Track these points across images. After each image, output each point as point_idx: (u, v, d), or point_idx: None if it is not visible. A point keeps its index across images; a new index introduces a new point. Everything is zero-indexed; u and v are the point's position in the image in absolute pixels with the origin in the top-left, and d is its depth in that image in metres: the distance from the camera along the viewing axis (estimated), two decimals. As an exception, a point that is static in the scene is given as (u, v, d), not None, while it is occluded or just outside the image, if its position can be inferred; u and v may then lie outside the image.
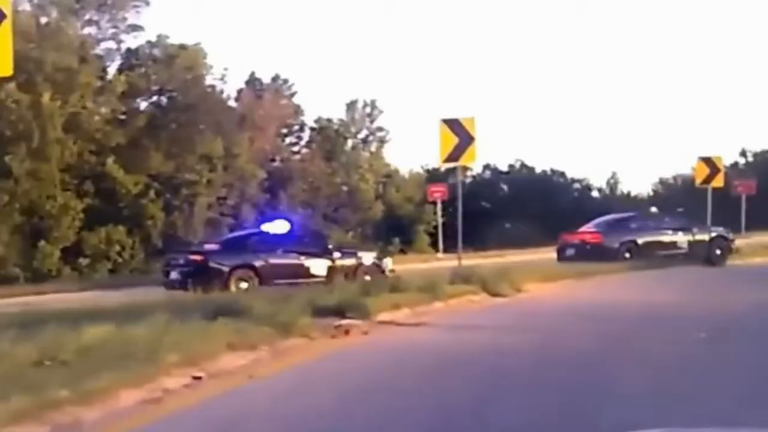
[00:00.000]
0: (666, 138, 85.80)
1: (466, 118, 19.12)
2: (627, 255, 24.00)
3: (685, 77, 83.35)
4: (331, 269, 19.48)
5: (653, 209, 26.73)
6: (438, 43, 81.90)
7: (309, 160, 48.22)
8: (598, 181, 65.72)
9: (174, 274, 19.13)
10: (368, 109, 58.73)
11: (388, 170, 62.83)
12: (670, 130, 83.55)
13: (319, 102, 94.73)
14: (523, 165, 64.81)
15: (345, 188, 51.44)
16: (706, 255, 24.49)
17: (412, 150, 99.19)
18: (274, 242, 19.69)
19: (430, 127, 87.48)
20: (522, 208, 58.01)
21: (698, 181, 27.60)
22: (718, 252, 24.87)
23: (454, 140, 18.96)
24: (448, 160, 19.38)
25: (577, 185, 65.07)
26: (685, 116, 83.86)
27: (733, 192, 30.04)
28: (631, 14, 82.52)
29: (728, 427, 5.21)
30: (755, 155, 60.75)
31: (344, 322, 12.10)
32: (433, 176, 66.01)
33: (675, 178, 66.51)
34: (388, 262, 21.12)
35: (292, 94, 48.79)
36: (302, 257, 19.56)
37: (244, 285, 17.98)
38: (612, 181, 66.36)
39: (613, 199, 64.63)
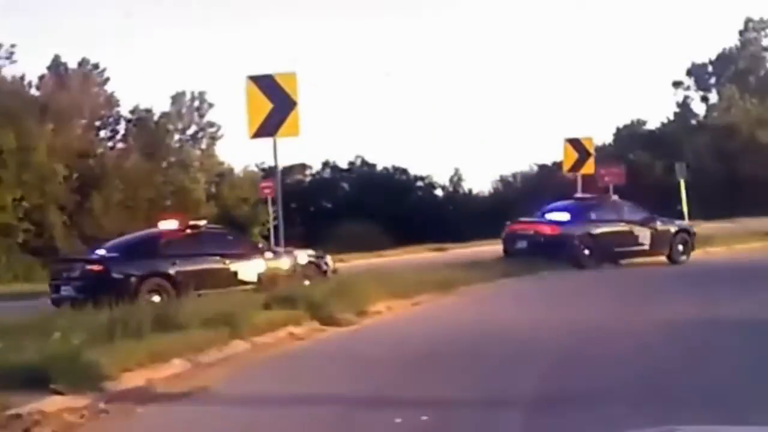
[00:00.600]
0: (505, 135, 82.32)
1: (284, 74, 13.35)
2: (586, 252, 19.42)
3: (524, 73, 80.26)
4: (262, 273, 15.98)
5: (614, 197, 21.32)
6: (270, 33, 75.63)
7: (126, 156, 41.18)
8: (441, 178, 60.99)
9: (66, 289, 15.53)
10: (197, 102, 52.22)
11: (222, 169, 56.69)
12: (509, 126, 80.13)
13: (139, 92, 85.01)
14: (364, 162, 59.77)
15: (171, 188, 44.66)
16: (668, 251, 20.45)
17: (247, 147, 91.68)
18: (191, 243, 16.17)
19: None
20: (365, 208, 53.28)
21: (566, 168, 22.84)
22: (680, 248, 20.64)
23: (268, 105, 13.19)
24: (259, 133, 13.58)
25: (420, 183, 60.61)
26: (523, 113, 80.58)
27: (599, 182, 25.37)
28: (472, 11, 78.71)
29: (729, 426, 4.52)
30: (596, 149, 57.87)
31: (30, 407, 6.05)
32: (270, 174, 60.23)
33: (514, 176, 63.03)
34: (328, 261, 17.60)
35: (105, 81, 41.70)
36: (227, 260, 16.01)
37: (156, 298, 14.62)
38: (455, 178, 62.10)
39: (457, 198, 60.73)
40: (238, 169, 57.29)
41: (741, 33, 51.80)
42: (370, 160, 60.00)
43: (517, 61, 76.41)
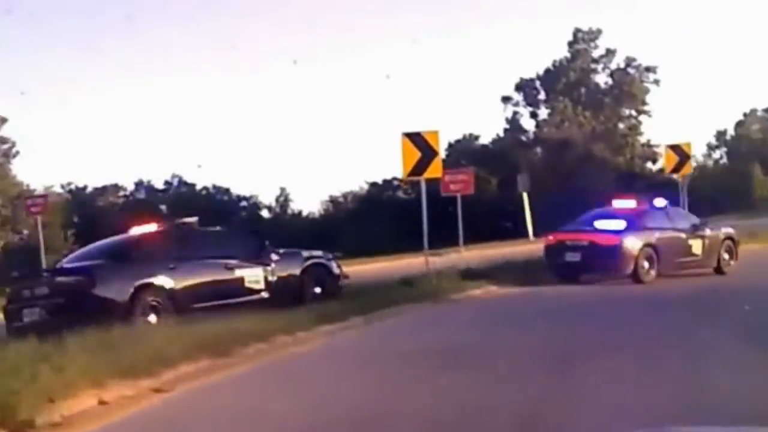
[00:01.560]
0: (334, 154, 76.27)
1: None
2: (646, 265, 16.13)
3: (354, 89, 74.80)
4: (271, 279, 12.86)
5: (662, 202, 17.56)
6: (76, 40, 66.68)
7: None
8: (266, 198, 54.65)
9: (32, 314, 11.38)
10: (-15, 116, 43.86)
11: (20, 190, 48.62)
12: (338, 145, 74.21)
13: None
14: (182, 182, 52.81)
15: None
16: (716, 261, 17.38)
17: (51, 165, 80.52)
18: (188, 246, 12.58)
19: (73, 137, 71.82)
20: None
21: (405, 172, 16.95)
22: (726, 257, 17.54)
23: None
24: None
25: (244, 203, 54.25)
26: (353, 130, 75.11)
27: (443, 191, 19.79)
28: (300, 28, 72.54)
29: (727, 426, 4.34)
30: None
31: None
32: (78, 197, 52.19)
33: (345, 196, 57.73)
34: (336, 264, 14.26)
35: None
36: (230, 265, 12.66)
37: (152, 318, 11.09)
38: (282, 198, 56.06)
39: (284, 219, 54.83)
40: (40, 191, 49.20)
41: (570, 44, 48.19)
42: (189, 179, 53.30)
43: (344, 76, 71.19)
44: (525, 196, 31.56)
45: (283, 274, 13.04)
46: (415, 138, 16.52)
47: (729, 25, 67.65)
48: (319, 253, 14.05)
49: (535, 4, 64.96)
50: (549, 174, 41.97)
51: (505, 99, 50.97)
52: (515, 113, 50.83)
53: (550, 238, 17.25)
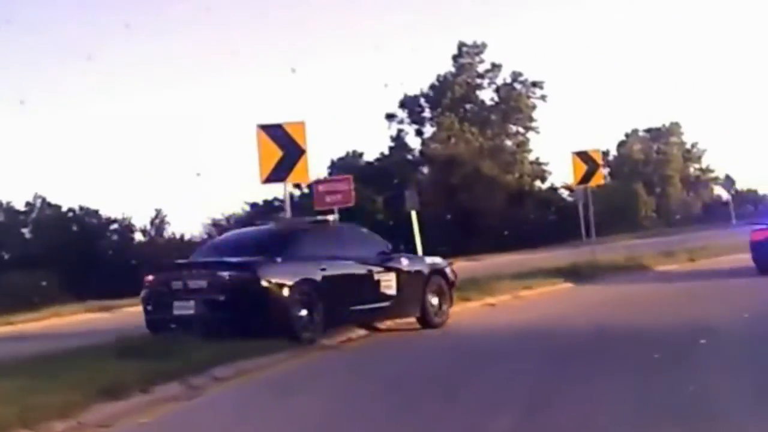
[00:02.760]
0: (217, 175, 70.43)
1: None
2: None
3: (231, 104, 69.60)
4: (399, 284, 11.34)
5: None
6: None
7: None
8: (140, 221, 49.11)
9: (185, 306, 10.19)
10: None
11: None
12: (220, 166, 68.74)
13: None
14: (45, 202, 46.96)
15: None
16: None
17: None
18: (331, 244, 11.15)
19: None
20: (56, 257, 41.69)
21: (262, 175, 12.57)
22: None
23: None
24: None
25: (115, 226, 48.78)
26: (234, 151, 69.78)
27: (317, 204, 15.56)
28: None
29: None
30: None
31: None
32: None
33: (228, 218, 52.95)
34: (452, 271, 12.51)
35: None
36: (370, 265, 11.23)
37: (303, 312, 10.17)
38: (157, 221, 50.72)
39: (162, 242, 49.64)
40: None
41: (455, 58, 44.78)
42: (53, 200, 47.43)
43: (222, 93, 66.11)
44: (413, 214, 27.46)
45: (411, 280, 11.56)
46: (273, 131, 12.15)
47: (610, 44, 66.43)
48: (439, 259, 12.56)
49: (420, 18, 61.79)
50: (437, 192, 38.22)
51: (390, 116, 47.38)
52: (400, 131, 47.26)
53: (756, 233, 17.29)
